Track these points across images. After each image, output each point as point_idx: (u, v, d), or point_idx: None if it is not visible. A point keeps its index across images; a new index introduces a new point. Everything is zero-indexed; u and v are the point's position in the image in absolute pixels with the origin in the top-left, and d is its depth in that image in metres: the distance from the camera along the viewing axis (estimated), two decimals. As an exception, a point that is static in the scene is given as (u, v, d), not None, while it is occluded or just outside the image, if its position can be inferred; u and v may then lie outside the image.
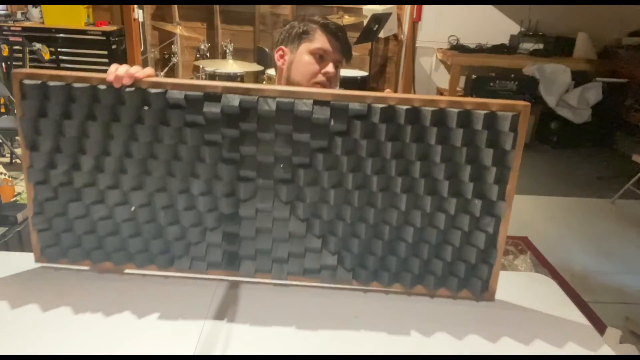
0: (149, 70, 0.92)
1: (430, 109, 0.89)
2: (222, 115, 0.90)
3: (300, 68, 1.32)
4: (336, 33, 1.31)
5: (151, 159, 0.94)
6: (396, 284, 1.00)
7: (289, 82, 1.34)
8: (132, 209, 0.97)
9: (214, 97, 0.89)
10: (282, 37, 1.38)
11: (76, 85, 0.90)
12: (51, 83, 0.90)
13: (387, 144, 0.91)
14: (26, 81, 0.90)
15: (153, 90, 0.89)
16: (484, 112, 0.89)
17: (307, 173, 0.94)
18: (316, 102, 0.89)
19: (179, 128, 0.92)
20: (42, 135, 0.92)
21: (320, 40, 1.31)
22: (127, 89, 0.89)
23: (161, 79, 0.92)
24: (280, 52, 1.37)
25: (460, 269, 0.98)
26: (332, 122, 0.90)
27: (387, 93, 0.98)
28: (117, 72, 0.89)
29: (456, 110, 0.89)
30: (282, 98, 0.89)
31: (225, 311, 0.92)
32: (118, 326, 0.86)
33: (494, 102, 0.90)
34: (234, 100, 0.89)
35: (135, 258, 1.00)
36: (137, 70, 0.90)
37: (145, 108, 0.90)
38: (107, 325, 0.86)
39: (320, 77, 1.30)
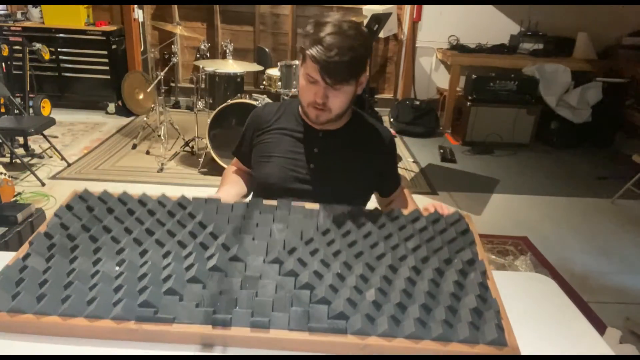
0: None
1: (411, 217, 1.14)
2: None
3: (300, 91, 1.24)
4: (325, 61, 1.13)
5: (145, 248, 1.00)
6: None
7: None
8: (117, 268, 0.92)
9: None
10: None
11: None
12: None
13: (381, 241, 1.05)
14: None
15: (157, 199, 1.13)
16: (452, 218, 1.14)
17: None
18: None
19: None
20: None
21: (309, 67, 1.17)
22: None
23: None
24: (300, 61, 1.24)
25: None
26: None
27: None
28: None
29: (426, 215, 1.15)
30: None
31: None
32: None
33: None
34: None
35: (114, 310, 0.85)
36: None
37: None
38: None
39: (315, 102, 1.20)
